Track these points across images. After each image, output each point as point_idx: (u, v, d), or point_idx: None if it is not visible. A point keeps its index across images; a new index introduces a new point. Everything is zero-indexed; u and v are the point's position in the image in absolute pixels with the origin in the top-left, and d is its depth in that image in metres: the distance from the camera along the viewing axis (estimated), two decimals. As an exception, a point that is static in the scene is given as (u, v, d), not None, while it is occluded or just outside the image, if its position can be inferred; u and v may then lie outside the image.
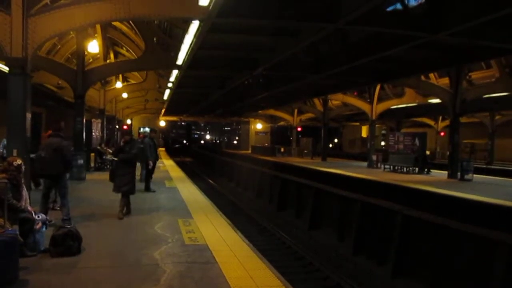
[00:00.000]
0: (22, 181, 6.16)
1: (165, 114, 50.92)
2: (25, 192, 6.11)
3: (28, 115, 9.25)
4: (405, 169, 21.70)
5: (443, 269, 9.03)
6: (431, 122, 40.59)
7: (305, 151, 39.00)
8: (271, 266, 5.89)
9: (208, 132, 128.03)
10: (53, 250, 5.88)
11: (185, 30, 12.21)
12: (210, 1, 8.73)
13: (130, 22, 18.54)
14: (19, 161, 6.05)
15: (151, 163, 13.31)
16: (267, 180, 21.12)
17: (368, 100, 27.00)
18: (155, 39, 18.55)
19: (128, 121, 44.58)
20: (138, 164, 10.65)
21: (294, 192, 17.51)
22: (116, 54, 25.93)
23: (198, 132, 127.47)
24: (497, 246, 7.91)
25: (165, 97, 29.58)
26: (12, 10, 8.89)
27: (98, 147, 19.18)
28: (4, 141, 11.52)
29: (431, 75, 21.76)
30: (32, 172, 8.89)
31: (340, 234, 13.29)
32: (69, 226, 6.21)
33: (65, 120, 18.39)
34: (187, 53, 14.20)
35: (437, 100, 22.59)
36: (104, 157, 18.55)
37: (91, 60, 23.55)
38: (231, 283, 5.03)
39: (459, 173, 18.25)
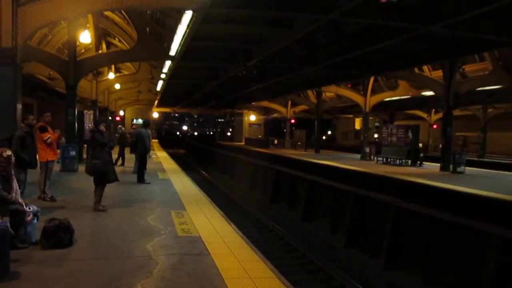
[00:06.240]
0: (12, 173, 6.07)
1: (158, 106, 50.68)
2: (15, 184, 6.02)
3: (19, 106, 9.14)
4: (397, 161, 21.79)
5: (435, 261, 9.09)
6: (424, 115, 40.71)
7: (299, 143, 39.02)
8: (264, 257, 5.88)
9: (198, 123, 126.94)
10: (44, 242, 5.81)
11: (178, 21, 12.09)
12: (204, -9, 8.65)
13: (123, 12, 18.29)
14: (8, 152, 5.94)
15: (150, 154, 13.55)
16: (261, 172, 21.13)
17: (362, 92, 26.99)
18: (147, 29, 18.36)
19: (121, 113, 44.23)
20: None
21: (287, 184, 17.52)
22: (109, 45, 25.64)
23: (191, 123, 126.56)
24: (489, 238, 7.98)
25: (158, 88, 29.39)
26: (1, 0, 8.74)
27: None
28: None
29: (425, 68, 21.75)
30: None
31: (333, 226, 13.34)
32: (60, 218, 6.14)
33: (57, 111, 18.24)
34: (180, 43, 14.08)
35: (430, 93, 22.62)
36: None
37: (83, 50, 23.25)
38: (224, 274, 5.02)
39: (451, 166, 18.35)
